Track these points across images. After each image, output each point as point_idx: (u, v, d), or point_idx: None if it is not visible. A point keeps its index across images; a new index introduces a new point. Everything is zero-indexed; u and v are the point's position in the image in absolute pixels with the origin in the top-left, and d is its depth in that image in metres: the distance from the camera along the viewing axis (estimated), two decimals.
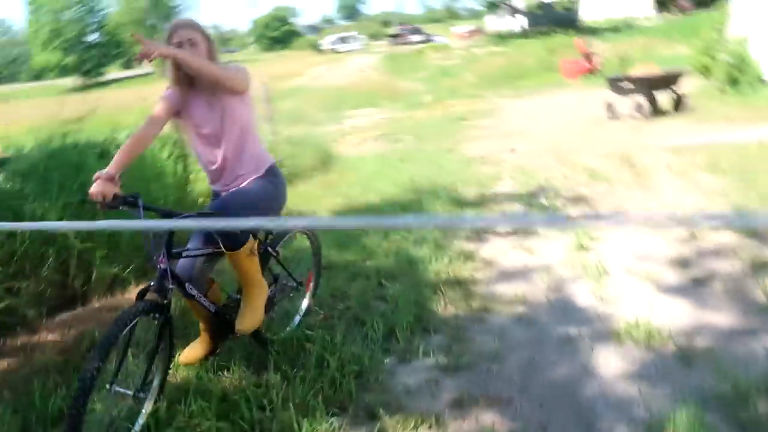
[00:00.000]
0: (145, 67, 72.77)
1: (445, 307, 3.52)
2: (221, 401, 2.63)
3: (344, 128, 13.47)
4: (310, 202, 6.24)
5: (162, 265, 2.36)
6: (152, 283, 2.38)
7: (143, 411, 2.50)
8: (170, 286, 2.37)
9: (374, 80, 25.76)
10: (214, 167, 2.75)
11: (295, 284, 3.30)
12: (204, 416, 2.50)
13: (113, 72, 72.60)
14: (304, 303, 3.48)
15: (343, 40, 57.11)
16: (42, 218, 3.84)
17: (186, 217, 2.37)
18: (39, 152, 4.55)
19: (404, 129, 11.97)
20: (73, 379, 2.81)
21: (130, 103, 9.19)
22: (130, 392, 2.35)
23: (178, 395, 2.67)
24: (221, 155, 2.71)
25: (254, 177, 2.77)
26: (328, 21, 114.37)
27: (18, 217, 3.86)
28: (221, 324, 2.80)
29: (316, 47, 58.85)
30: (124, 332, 2.21)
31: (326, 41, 60.23)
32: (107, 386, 2.32)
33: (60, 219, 3.95)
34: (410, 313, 3.36)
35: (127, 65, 75.29)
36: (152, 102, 2.77)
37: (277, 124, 8.52)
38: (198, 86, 2.66)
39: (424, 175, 6.88)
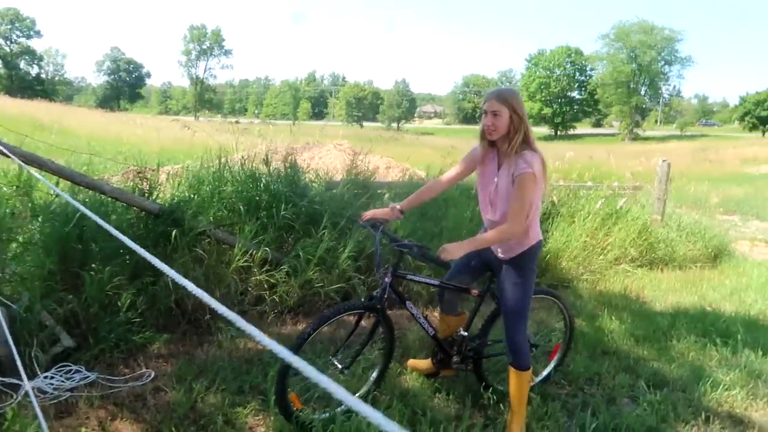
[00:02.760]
0: (613, 128, 74.65)
1: None
2: (413, 414, 3.01)
3: None
4: (654, 289, 5.85)
5: (386, 279, 2.87)
6: (377, 292, 2.92)
7: (358, 391, 3.07)
8: (384, 298, 2.87)
9: None
10: (486, 218, 2.98)
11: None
12: (392, 416, 2.93)
13: (583, 128, 76.69)
14: (545, 371, 3.53)
15: None
16: None
17: (406, 245, 2.82)
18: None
19: None
20: None
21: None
22: (339, 366, 2.92)
23: (392, 391, 3.16)
24: (494, 215, 2.86)
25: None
26: None
27: None
28: (441, 350, 3.16)
29: None
30: (340, 317, 2.85)
31: None
32: (330, 356, 3.00)
33: None
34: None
35: (597, 123, 78.58)
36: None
37: (668, 205, 8.06)
38: (497, 150, 2.82)
39: None
